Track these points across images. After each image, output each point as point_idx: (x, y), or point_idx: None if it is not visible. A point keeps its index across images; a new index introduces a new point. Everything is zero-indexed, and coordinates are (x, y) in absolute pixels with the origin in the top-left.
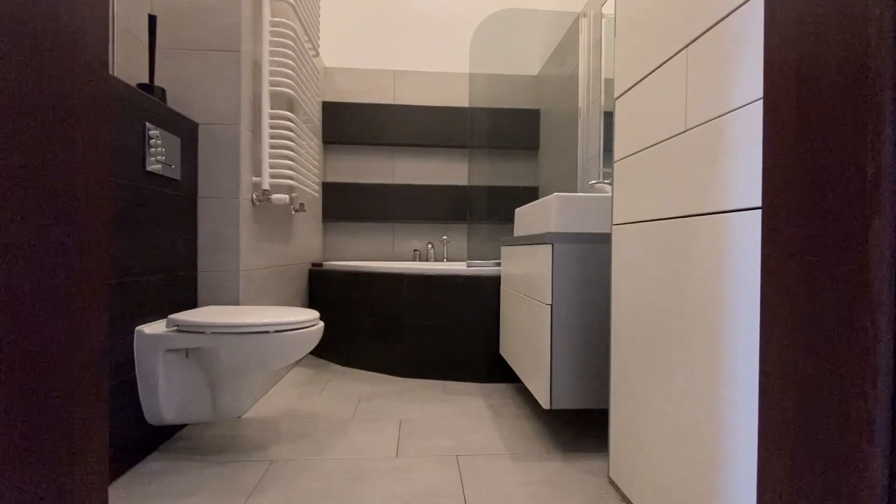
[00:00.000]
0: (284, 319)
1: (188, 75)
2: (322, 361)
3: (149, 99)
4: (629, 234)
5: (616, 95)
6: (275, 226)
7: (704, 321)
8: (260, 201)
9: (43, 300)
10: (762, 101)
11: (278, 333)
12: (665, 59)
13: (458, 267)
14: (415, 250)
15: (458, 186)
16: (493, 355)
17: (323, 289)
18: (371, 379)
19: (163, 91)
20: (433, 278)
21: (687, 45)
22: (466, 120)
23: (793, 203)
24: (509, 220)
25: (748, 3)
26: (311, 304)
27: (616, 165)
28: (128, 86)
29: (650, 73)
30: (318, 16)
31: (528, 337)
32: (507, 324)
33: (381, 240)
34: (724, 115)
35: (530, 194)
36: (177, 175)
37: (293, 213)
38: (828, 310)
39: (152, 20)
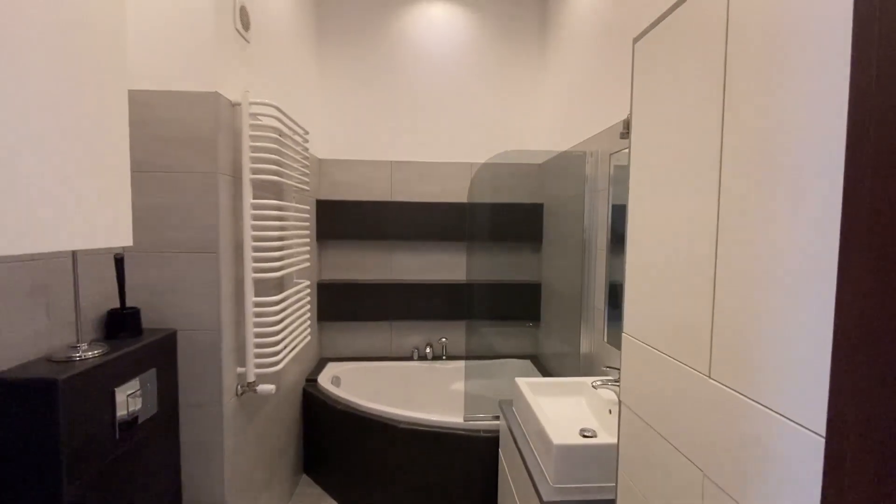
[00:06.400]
0: None
1: (167, 279)
2: (318, 490)
3: (114, 364)
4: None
5: (624, 330)
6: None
7: None
8: (245, 392)
9: None
10: None
11: None
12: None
13: (455, 420)
14: (414, 348)
15: (456, 284)
16: None
17: (317, 416)
18: None
19: (136, 312)
20: (429, 433)
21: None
22: (466, 214)
23: None
24: (511, 317)
25: None
26: (307, 429)
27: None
28: (88, 369)
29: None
30: (307, 149)
31: None
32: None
33: (378, 337)
34: None
35: (533, 291)
36: (154, 408)
37: None
38: None
39: (119, 261)
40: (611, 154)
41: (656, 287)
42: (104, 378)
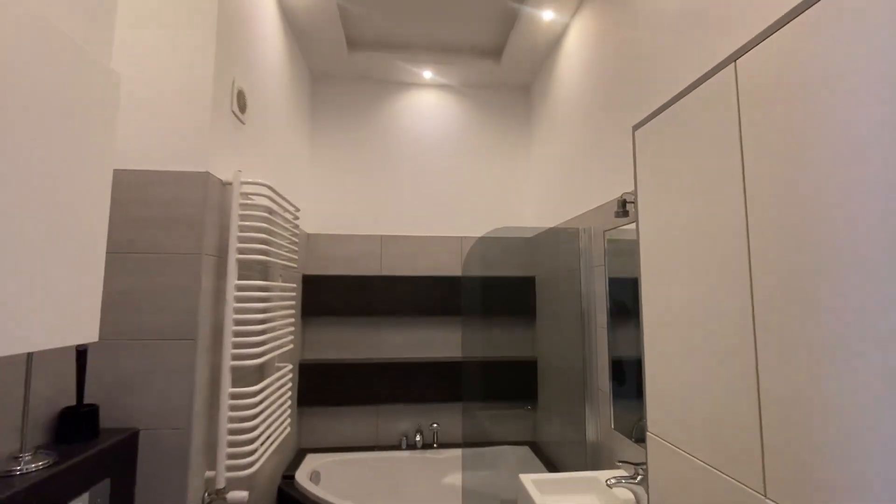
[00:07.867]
0: None
1: (135, 369)
2: None
3: (61, 476)
4: None
5: (648, 429)
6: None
7: None
8: (212, 501)
9: None
10: None
11: None
12: None
13: None
14: (402, 435)
15: (448, 362)
16: None
17: None
18: None
19: (93, 411)
20: None
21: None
22: (458, 288)
23: None
24: (506, 397)
25: None
26: None
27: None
28: (28, 486)
29: None
30: (297, 226)
31: None
32: None
33: (363, 423)
34: None
35: (528, 368)
36: None
37: None
38: None
39: (81, 354)
40: (605, 231)
41: (683, 378)
42: (48, 496)
